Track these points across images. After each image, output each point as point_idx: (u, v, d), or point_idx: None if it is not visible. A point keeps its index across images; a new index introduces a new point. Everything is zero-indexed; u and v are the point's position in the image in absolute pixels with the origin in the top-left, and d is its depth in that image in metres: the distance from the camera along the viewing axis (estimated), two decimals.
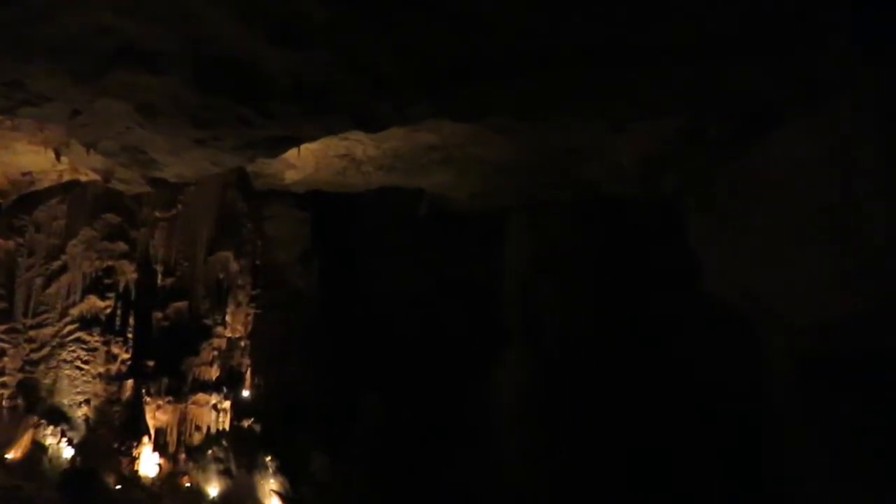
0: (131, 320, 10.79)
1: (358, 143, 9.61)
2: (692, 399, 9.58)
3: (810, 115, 7.55)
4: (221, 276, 11.27)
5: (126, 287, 10.92)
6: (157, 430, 10.58)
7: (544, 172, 10.12)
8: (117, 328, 10.76)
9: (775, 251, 8.43)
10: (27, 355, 10.85)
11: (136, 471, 10.30)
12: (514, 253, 11.41)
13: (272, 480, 10.88)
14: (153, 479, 10.35)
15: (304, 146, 9.31)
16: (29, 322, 10.99)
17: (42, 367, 10.80)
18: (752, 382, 8.89)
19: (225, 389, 10.99)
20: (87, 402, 10.53)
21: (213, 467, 10.64)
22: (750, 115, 8.02)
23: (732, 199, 9.18)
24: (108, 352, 10.63)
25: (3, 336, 10.85)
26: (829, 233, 7.57)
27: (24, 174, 10.75)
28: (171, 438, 10.65)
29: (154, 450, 10.47)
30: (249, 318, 11.56)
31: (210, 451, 10.68)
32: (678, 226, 10.27)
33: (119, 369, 10.61)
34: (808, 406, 7.89)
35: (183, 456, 10.64)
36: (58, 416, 10.52)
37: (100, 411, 10.48)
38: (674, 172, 9.43)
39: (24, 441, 10.36)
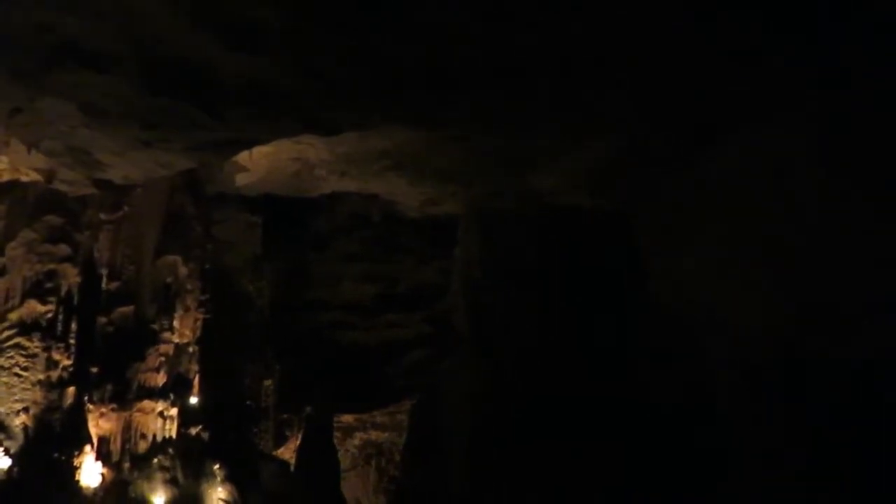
0: (74, 325, 10.46)
1: (311, 147, 9.59)
2: (640, 404, 9.75)
3: (755, 131, 7.86)
4: (169, 280, 11.03)
5: (68, 291, 10.57)
6: (101, 439, 10.27)
7: (496, 180, 10.25)
8: (59, 333, 10.40)
9: (719, 261, 8.73)
10: None
11: (78, 481, 9.99)
12: (466, 260, 11.49)
13: (220, 489, 10.70)
14: (96, 489, 10.05)
15: (256, 149, 9.25)
16: None
17: None
18: (698, 388, 9.13)
19: (172, 396, 10.75)
20: (26, 410, 10.14)
21: (159, 476, 10.39)
22: (697, 129, 8.28)
23: (679, 211, 9.48)
24: (48, 358, 10.26)
25: None
26: (770, 244, 7.88)
27: None
28: (115, 447, 10.34)
29: (97, 459, 10.16)
30: (198, 323, 11.33)
31: (156, 460, 10.43)
32: (628, 236, 10.52)
33: (60, 376, 10.26)
34: (749, 411, 8.16)
35: (127, 465, 10.35)
36: None
37: (39, 420, 10.11)
38: (623, 183, 9.68)
39: None
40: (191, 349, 11.20)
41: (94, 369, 10.41)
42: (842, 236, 7.17)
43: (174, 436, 10.65)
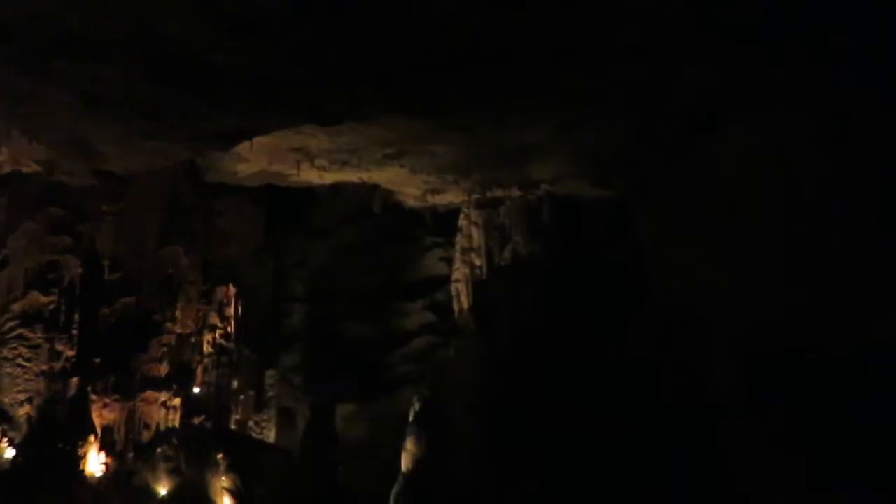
0: (76, 316, 10.50)
1: (311, 137, 9.55)
2: (641, 392, 9.77)
3: (757, 117, 7.85)
4: (171, 271, 11.09)
5: (71, 282, 10.61)
6: (104, 429, 10.35)
7: (496, 169, 10.25)
8: (61, 325, 10.44)
9: (720, 249, 8.75)
10: None
11: (82, 471, 10.06)
12: (467, 249, 11.48)
13: (224, 478, 10.76)
14: (100, 478, 10.13)
15: (256, 139, 9.21)
16: None
17: None
18: (699, 375, 9.15)
19: (175, 386, 10.82)
20: (30, 400, 10.21)
21: (163, 466, 10.46)
22: (697, 116, 8.26)
23: (679, 199, 9.49)
24: (51, 349, 10.31)
25: None
26: (772, 231, 7.90)
27: None
28: (119, 437, 10.44)
29: (100, 449, 10.23)
30: (201, 313, 11.40)
31: (159, 450, 10.51)
32: (628, 224, 10.54)
33: (63, 367, 10.31)
34: (749, 397, 8.19)
35: (131, 455, 10.44)
36: None
37: (43, 410, 10.17)
38: (622, 173, 9.69)
39: None
40: (193, 339, 11.26)
41: (97, 360, 10.47)
42: (843, 229, 7.18)
43: (177, 425, 10.73)
